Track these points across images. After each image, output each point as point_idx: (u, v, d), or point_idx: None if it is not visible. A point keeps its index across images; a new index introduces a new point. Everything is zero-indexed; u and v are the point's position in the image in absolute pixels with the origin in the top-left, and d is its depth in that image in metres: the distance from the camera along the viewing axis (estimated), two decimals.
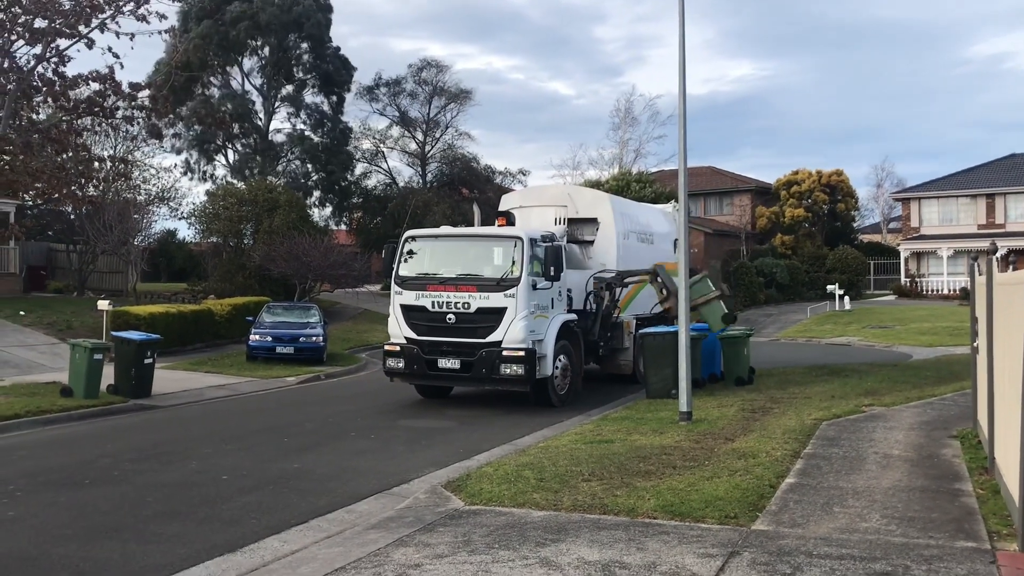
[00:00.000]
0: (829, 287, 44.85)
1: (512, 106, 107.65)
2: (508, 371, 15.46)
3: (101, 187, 30.29)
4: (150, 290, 37.13)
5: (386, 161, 54.94)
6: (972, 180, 53.27)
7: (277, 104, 47.27)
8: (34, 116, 23.25)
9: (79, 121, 22.78)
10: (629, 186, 45.01)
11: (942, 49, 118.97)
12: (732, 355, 18.70)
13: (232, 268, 36.45)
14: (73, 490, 9.83)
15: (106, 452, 12.12)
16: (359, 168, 52.21)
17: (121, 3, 20.24)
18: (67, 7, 19.62)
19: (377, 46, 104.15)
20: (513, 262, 15.77)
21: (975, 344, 11.90)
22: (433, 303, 15.97)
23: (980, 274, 11.78)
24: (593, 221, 19.42)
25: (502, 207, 19.78)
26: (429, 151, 54.63)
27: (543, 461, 10.50)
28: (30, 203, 33.53)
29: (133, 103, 18.51)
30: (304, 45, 46.30)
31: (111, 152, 33.66)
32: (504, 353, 15.44)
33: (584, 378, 17.83)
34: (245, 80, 47.09)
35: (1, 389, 16.99)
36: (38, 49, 19.69)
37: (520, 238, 15.95)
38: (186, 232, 49.09)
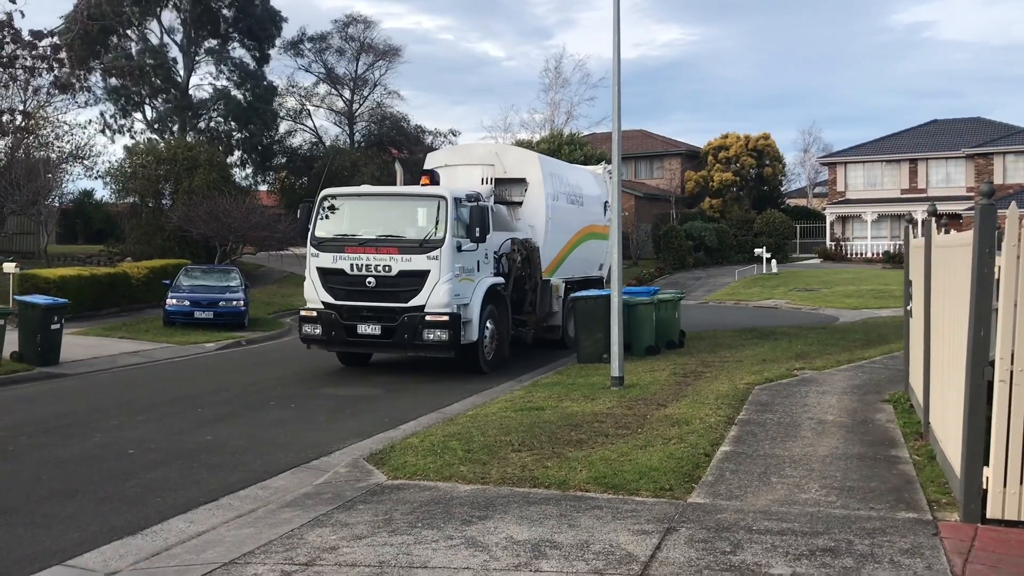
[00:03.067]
0: (756, 250, 45.20)
1: (442, 67, 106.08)
2: (431, 337, 14.80)
3: (7, 140, 28.65)
4: (64, 252, 35.63)
5: (312, 119, 53.59)
6: (896, 146, 54.11)
7: (198, 59, 45.44)
8: None
9: None
10: (561, 148, 44.55)
11: (865, 16, 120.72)
12: (663, 319, 18.44)
13: (151, 229, 35.10)
14: None
15: (3, 425, 11.33)
16: (283, 126, 50.75)
17: None
18: None
19: (301, 3, 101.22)
20: (437, 223, 15.04)
21: (908, 308, 11.78)
22: (352, 266, 15.18)
23: (915, 237, 11.64)
24: (521, 181, 18.55)
25: (427, 165, 18.76)
26: (357, 110, 53.38)
27: (471, 431, 10.05)
28: None
29: (34, 52, 17.26)
30: None
31: (20, 106, 31.90)
32: (427, 318, 14.78)
33: (510, 343, 17.15)
34: (164, 34, 45.15)
35: None
36: None
37: (444, 197, 15.21)
38: (103, 192, 47.14)
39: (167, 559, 6.41)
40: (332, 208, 15.89)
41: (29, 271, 23.87)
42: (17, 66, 17.91)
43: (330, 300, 15.35)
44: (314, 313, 15.45)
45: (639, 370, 14.80)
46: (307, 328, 15.56)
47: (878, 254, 49.05)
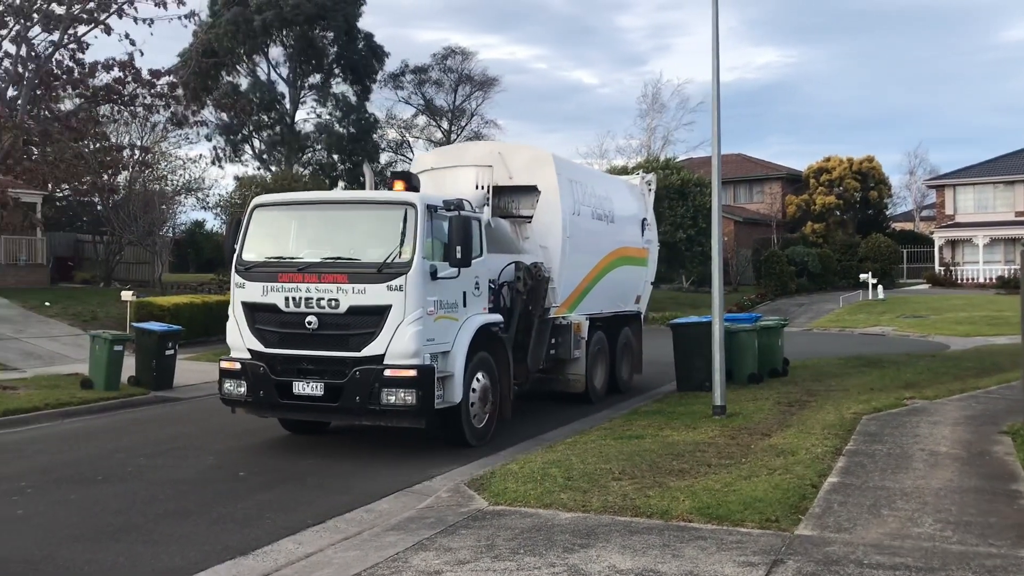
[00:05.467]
0: (862, 276, 43.93)
1: (536, 96, 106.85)
2: (392, 399, 10.65)
3: (126, 175, 30.13)
4: (177, 280, 37.03)
5: (412, 150, 54.67)
6: (1008, 166, 52.05)
7: (303, 94, 47.09)
8: (53, 105, 23.07)
9: (99, 109, 22.51)
10: (657, 173, 44.23)
11: (971, 34, 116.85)
12: (766, 346, 18.09)
13: None
14: (85, 487, 9.52)
15: (122, 446, 11.83)
16: (384, 158, 51.98)
17: None
18: None
19: (400, 37, 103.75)
20: (402, 239, 10.86)
21: None
22: (287, 300, 11.02)
23: None
24: (532, 190, 14.53)
25: (412, 169, 15.31)
26: (455, 140, 54.22)
27: (571, 458, 10.05)
28: (59, 194, 33.51)
29: (153, 90, 18.24)
30: (330, 35, 46.03)
31: (138, 142, 33.58)
32: (387, 373, 10.62)
33: (519, 396, 13.41)
34: (272, 70, 46.93)
35: (22, 381, 16.80)
36: (55, 35, 19.44)
37: (412, 205, 11.02)
38: (213, 223, 48.99)
39: None
40: (265, 223, 11.80)
41: (145, 299, 24.87)
42: (137, 104, 18.98)
43: (259, 347, 11.23)
44: (237, 365, 11.34)
45: (741, 399, 14.54)
46: (228, 385, 11.46)
47: (991, 279, 47.15)
